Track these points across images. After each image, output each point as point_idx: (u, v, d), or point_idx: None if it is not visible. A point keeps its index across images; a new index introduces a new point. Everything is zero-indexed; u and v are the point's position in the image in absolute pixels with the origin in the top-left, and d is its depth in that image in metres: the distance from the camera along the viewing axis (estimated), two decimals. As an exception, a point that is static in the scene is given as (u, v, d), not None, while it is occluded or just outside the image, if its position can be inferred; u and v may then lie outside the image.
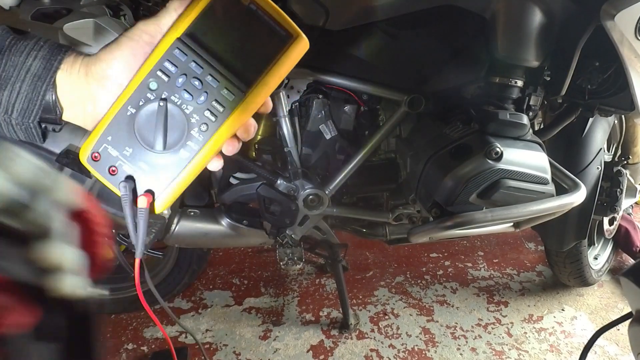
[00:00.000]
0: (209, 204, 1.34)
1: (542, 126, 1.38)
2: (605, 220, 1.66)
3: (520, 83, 1.09)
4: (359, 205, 1.36)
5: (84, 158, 0.42)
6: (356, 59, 1.08)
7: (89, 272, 0.36)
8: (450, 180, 1.03)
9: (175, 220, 1.26)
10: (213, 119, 0.41)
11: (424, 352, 1.44)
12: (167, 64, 0.40)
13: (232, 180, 1.29)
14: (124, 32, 0.41)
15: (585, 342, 0.72)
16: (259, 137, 1.27)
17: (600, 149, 1.37)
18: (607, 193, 1.49)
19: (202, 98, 0.41)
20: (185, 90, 0.41)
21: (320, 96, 1.15)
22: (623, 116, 1.54)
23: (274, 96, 1.17)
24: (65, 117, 0.42)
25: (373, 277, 1.78)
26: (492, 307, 1.64)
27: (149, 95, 0.41)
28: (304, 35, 0.42)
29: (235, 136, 0.43)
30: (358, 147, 1.20)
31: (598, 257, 1.75)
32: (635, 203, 2.02)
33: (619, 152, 1.60)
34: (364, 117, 1.22)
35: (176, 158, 0.42)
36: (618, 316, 0.69)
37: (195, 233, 1.29)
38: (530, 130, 1.10)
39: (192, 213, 1.28)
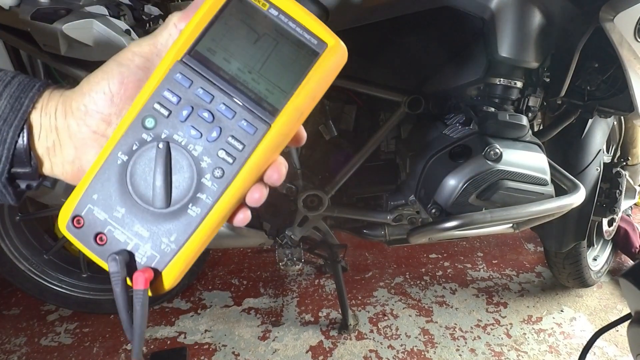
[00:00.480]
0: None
1: (541, 127, 1.39)
2: (605, 221, 1.66)
3: (519, 84, 1.10)
4: (358, 205, 1.36)
5: (63, 224, 0.32)
6: (356, 59, 1.08)
7: None
8: (450, 181, 1.03)
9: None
10: (230, 161, 0.32)
11: (423, 352, 1.44)
12: (167, 94, 0.32)
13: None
14: (113, 56, 0.33)
15: (585, 343, 0.72)
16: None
17: (600, 150, 1.37)
18: (606, 194, 1.49)
19: (214, 135, 0.32)
20: (191, 126, 0.32)
21: (320, 97, 1.15)
22: (622, 117, 1.55)
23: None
24: (45, 171, 0.33)
25: (372, 278, 1.78)
26: (491, 308, 1.64)
27: (144, 136, 0.31)
28: (341, 42, 0.33)
29: (261, 180, 0.34)
30: (357, 148, 1.20)
31: (597, 258, 1.75)
32: (635, 204, 2.02)
33: (618, 154, 1.60)
34: (363, 117, 1.22)
35: (184, 217, 0.32)
36: (617, 317, 0.69)
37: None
38: (530, 131, 1.10)
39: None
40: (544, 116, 1.39)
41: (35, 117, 0.32)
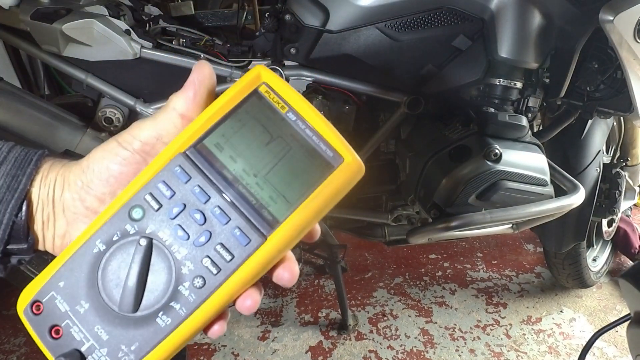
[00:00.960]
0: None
1: (541, 128, 1.38)
2: (604, 221, 1.66)
3: (519, 85, 1.10)
4: (358, 206, 1.36)
5: (21, 307, 0.30)
6: (356, 59, 1.08)
7: None
8: (450, 181, 1.03)
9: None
10: (214, 271, 0.28)
11: (422, 353, 1.44)
12: (162, 186, 0.29)
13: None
14: (115, 136, 0.32)
15: (584, 343, 0.72)
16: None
17: (599, 150, 1.38)
18: (605, 195, 1.49)
19: (203, 239, 0.29)
20: (179, 225, 0.29)
21: (320, 97, 1.15)
22: (622, 118, 1.55)
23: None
24: (38, 245, 0.32)
25: (372, 278, 1.78)
26: (490, 308, 1.64)
27: (128, 227, 0.29)
28: (358, 159, 0.30)
29: (256, 285, 0.31)
30: (357, 148, 1.20)
31: (597, 258, 1.75)
32: (634, 205, 2.02)
33: (618, 154, 1.60)
34: (363, 118, 1.22)
35: (151, 326, 0.28)
36: (616, 318, 0.69)
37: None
38: (529, 132, 1.10)
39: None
40: (544, 117, 1.39)
41: (34, 191, 0.31)
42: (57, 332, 0.29)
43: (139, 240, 0.29)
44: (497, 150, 1.01)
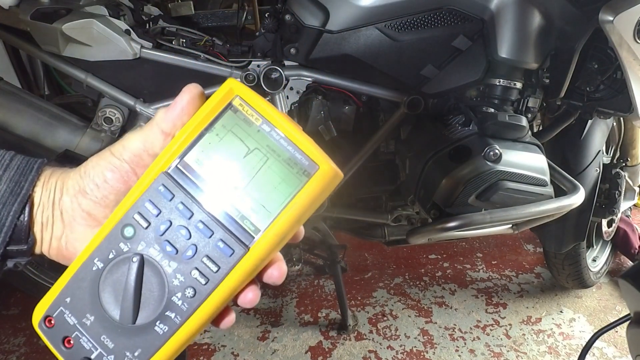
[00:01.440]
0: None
1: (541, 128, 1.39)
2: (604, 222, 1.66)
3: (519, 85, 1.10)
4: (357, 206, 1.36)
5: (36, 321, 0.33)
6: (355, 60, 1.08)
7: None
8: (449, 181, 1.03)
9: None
10: (203, 281, 0.31)
11: (422, 353, 1.44)
12: (149, 205, 0.31)
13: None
14: (110, 146, 0.34)
15: (584, 344, 0.72)
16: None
17: (599, 151, 1.38)
18: (605, 195, 1.49)
19: (189, 253, 0.31)
20: (167, 241, 0.31)
21: (320, 97, 1.15)
22: (622, 118, 1.55)
23: (274, 99, 1.17)
24: (38, 249, 0.34)
25: (372, 279, 1.78)
26: (490, 308, 1.64)
27: (121, 245, 0.31)
28: (333, 165, 0.31)
29: (253, 283, 0.33)
30: (357, 148, 1.20)
31: (596, 259, 1.75)
32: (634, 205, 2.02)
33: (618, 154, 1.60)
34: (363, 118, 1.22)
35: (150, 334, 0.31)
36: (616, 318, 0.69)
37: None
38: (529, 132, 1.10)
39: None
40: (544, 117, 1.39)
41: (36, 195, 0.33)
42: (69, 342, 0.32)
43: (132, 258, 0.31)
44: (497, 151, 1.01)
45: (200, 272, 0.31)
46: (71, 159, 0.40)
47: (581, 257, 1.54)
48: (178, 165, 0.32)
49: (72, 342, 0.32)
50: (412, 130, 1.22)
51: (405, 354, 1.44)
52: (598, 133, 1.38)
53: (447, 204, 1.06)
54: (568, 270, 1.58)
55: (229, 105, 0.32)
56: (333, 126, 1.18)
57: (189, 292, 0.31)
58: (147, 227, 0.31)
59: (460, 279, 1.79)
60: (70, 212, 0.33)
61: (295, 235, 0.34)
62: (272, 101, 1.17)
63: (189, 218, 0.31)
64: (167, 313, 0.31)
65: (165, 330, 0.31)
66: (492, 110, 1.09)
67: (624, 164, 1.55)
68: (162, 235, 0.31)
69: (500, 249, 1.99)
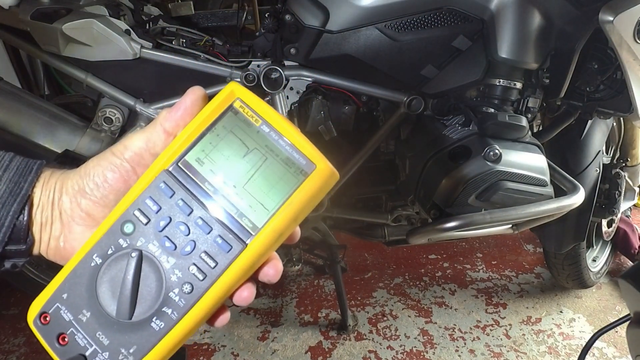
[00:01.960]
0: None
1: (540, 128, 1.39)
2: (604, 222, 1.66)
3: (519, 85, 1.10)
4: (357, 206, 1.36)
5: (31, 318, 0.32)
6: (355, 60, 1.08)
7: None
8: (449, 181, 1.03)
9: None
10: (200, 277, 0.31)
11: (422, 353, 1.44)
12: (149, 202, 0.32)
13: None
14: (111, 147, 0.34)
15: (584, 344, 0.72)
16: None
17: (599, 151, 1.38)
18: (605, 195, 1.49)
19: (188, 249, 0.31)
20: (166, 237, 0.31)
21: (320, 97, 1.15)
22: (622, 118, 1.55)
23: (274, 99, 1.17)
24: (36, 250, 0.34)
25: (372, 279, 1.78)
26: (490, 308, 1.64)
27: (121, 241, 0.32)
28: (330, 165, 0.32)
29: (251, 279, 0.34)
30: (357, 149, 1.20)
31: (596, 259, 1.75)
32: (634, 205, 2.02)
33: (618, 155, 1.60)
34: (363, 118, 1.22)
35: (147, 330, 0.31)
36: (616, 318, 0.69)
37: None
38: (529, 132, 1.10)
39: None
40: (544, 117, 1.39)
41: (35, 196, 0.33)
42: (64, 339, 0.32)
43: (131, 253, 0.31)
44: (497, 151, 1.01)
45: (198, 267, 0.31)
46: (71, 159, 0.40)
47: (581, 257, 1.54)
48: (179, 164, 0.32)
49: (66, 339, 0.31)
50: (412, 130, 1.22)
51: (405, 354, 1.44)
52: (598, 133, 1.38)
53: (447, 204, 1.06)
54: (568, 270, 1.58)
55: (230, 107, 0.33)
56: (333, 126, 1.18)
57: (186, 288, 0.31)
58: (146, 224, 0.32)
59: (460, 279, 1.79)
60: (69, 212, 0.33)
61: (292, 236, 0.34)
62: (272, 101, 1.17)
63: (189, 214, 0.32)
64: (164, 309, 0.31)
65: (161, 327, 0.31)
66: (492, 110, 1.09)
67: (624, 164, 1.55)
68: (161, 231, 0.32)
69: (500, 249, 1.99)
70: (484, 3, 1.01)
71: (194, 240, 0.31)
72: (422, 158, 1.10)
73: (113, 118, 1.15)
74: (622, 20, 0.94)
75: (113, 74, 1.13)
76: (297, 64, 1.14)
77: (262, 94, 1.16)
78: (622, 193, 1.49)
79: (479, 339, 1.51)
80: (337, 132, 1.20)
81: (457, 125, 1.11)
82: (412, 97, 1.14)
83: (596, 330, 0.71)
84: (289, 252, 1.45)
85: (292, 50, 1.10)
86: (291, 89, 1.17)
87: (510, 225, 1.22)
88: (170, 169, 0.32)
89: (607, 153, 1.59)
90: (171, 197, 0.32)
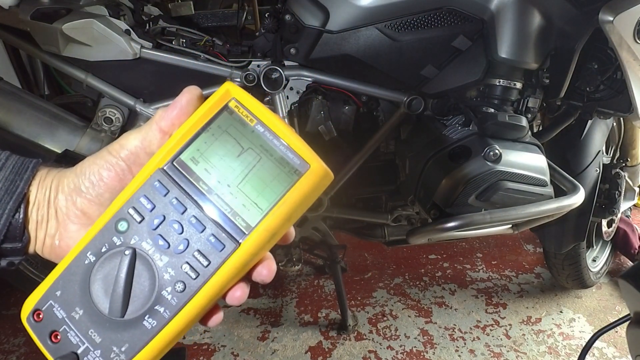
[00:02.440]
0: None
1: (540, 128, 1.39)
2: (604, 222, 1.66)
3: (519, 85, 1.10)
4: (357, 206, 1.36)
5: (25, 316, 0.32)
6: (356, 60, 1.08)
7: None
8: (449, 181, 1.03)
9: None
10: (193, 276, 0.31)
11: (422, 353, 1.44)
12: (143, 200, 0.32)
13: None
14: (107, 146, 0.34)
15: (584, 344, 0.72)
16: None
17: (599, 151, 1.38)
18: (605, 195, 1.49)
19: (181, 247, 0.31)
20: (160, 235, 0.31)
21: (320, 97, 1.15)
22: (622, 118, 1.55)
23: (274, 99, 1.17)
24: (32, 249, 0.34)
25: (372, 279, 1.78)
26: (490, 308, 1.64)
27: (114, 239, 0.32)
28: (324, 165, 0.32)
29: (245, 279, 0.33)
30: (357, 149, 1.20)
31: (596, 259, 1.75)
32: (634, 205, 2.02)
33: (618, 155, 1.60)
34: (363, 118, 1.22)
35: (139, 328, 0.31)
36: (616, 318, 0.69)
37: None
38: (529, 132, 1.10)
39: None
40: (544, 117, 1.39)
41: (31, 194, 0.33)
42: (56, 337, 0.31)
43: (124, 251, 0.31)
44: (496, 151, 1.01)
45: (191, 266, 0.31)
46: (71, 159, 0.40)
47: (581, 257, 1.54)
48: (174, 163, 0.32)
49: (59, 336, 0.31)
50: (412, 130, 1.22)
51: (405, 354, 1.44)
52: (598, 133, 1.38)
53: (447, 204, 1.06)
54: (568, 270, 1.58)
55: (225, 107, 0.33)
56: (333, 126, 1.18)
57: (179, 287, 0.31)
58: (140, 222, 0.32)
59: (460, 279, 1.79)
60: (65, 211, 0.34)
61: (286, 236, 0.34)
62: (272, 101, 1.17)
63: (182, 213, 0.32)
64: (156, 307, 0.31)
65: (153, 325, 0.31)
66: (492, 110, 1.09)
67: (624, 164, 1.55)
68: (155, 229, 0.32)
69: (500, 249, 1.99)
70: (484, 3, 1.01)
71: (187, 239, 0.31)
72: (422, 158, 1.10)
73: (113, 118, 1.14)
74: (622, 20, 0.94)
75: (113, 74, 1.13)
76: (297, 64, 1.14)
77: (262, 94, 1.16)
78: (622, 193, 1.49)
79: (479, 339, 1.51)
80: (337, 132, 1.20)
81: (457, 125, 1.11)
82: (412, 97, 1.14)
83: (596, 330, 0.71)
84: (289, 252, 1.45)
85: (292, 50, 1.10)
86: (291, 89, 1.17)
87: (510, 225, 1.22)
88: (165, 168, 0.32)
89: (607, 153, 1.59)
90: (165, 195, 0.32)
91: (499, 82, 1.09)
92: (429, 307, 1.64)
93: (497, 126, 1.04)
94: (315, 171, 0.31)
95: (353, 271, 1.82)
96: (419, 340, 1.49)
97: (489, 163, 1.01)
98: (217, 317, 0.34)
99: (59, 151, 1.09)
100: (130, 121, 1.18)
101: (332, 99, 1.17)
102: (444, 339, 1.50)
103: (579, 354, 0.73)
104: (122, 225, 0.32)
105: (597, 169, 1.38)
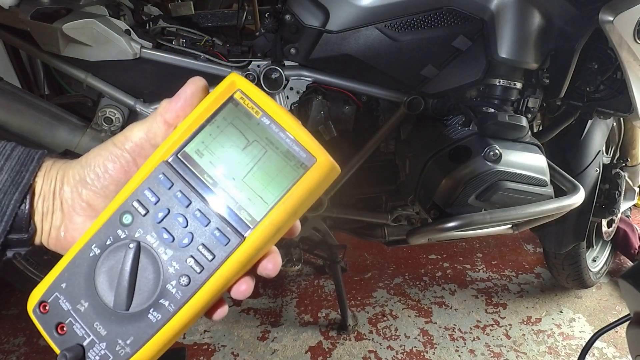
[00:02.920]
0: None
1: (540, 128, 1.39)
2: (604, 222, 1.66)
3: (519, 85, 1.10)
4: (357, 206, 1.36)
5: (31, 307, 0.32)
6: (356, 60, 1.08)
7: None
8: (449, 181, 1.03)
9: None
10: (198, 270, 0.31)
11: (422, 353, 1.44)
12: (148, 193, 0.31)
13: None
14: (112, 137, 0.34)
15: (584, 344, 0.72)
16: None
17: (599, 151, 1.38)
18: (605, 195, 1.49)
19: (186, 241, 0.31)
20: (164, 229, 0.31)
21: (320, 97, 1.15)
22: (622, 118, 1.55)
23: (274, 99, 1.17)
24: (37, 240, 0.34)
25: (372, 279, 1.78)
26: (490, 308, 1.64)
27: (119, 232, 0.31)
28: (330, 159, 0.31)
29: (250, 273, 0.33)
30: (357, 149, 1.20)
31: (596, 259, 1.75)
32: (634, 205, 2.02)
33: (618, 155, 1.60)
34: (363, 118, 1.22)
35: (144, 321, 0.31)
36: (616, 318, 0.69)
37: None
38: (529, 132, 1.10)
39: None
40: (544, 117, 1.39)
41: (37, 185, 0.33)
42: (62, 328, 0.31)
43: (129, 244, 0.31)
44: (496, 151, 1.01)
45: (195, 260, 0.31)
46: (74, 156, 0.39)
47: (581, 257, 1.54)
48: (178, 155, 0.32)
49: (65, 328, 0.31)
50: (412, 130, 1.22)
51: (405, 354, 1.44)
52: (598, 133, 1.38)
53: (447, 204, 1.06)
54: (568, 270, 1.58)
55: (231, 99, 0.32)
56: (333, 126, 1.18)
57: (183, 280, 0.31)
58: (145, 215, 0.31)
59: (460, 279, 1.79)
60: (70, 202, 0.33)
61: (291, 230, 0.34)
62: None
63: (187, 206, 0.31)
64: (161, 301, 0.31)
65: (158, 318, 0.31)
66: (492, 110, 1.09)
67: (624, 164, 1.55)
68: (159, 222, 0.31)
69: (500, 249, 1.99)
70: (484, 3, 1.02)
71: (191, 233, 0.31)
72: (422, 158, 1.10)
73: (113, 118, 1.15)
74: (622, 20, 0.94)
75: (113, 74, 1.13)
76: (297, 64, 1.14)
77: (262, 94, 1.16)
78: (622, 193, 1.49)
79: (479, 339, 1.51)
80: (337, 132, 1.20)
81: (457, 125, 1.11)
82: (412, 97, 1.14)
83: (596, 330, 0.71)
84: (289, 252, 1.45)
85: (292, 50, 1.10)
86: (291, 89, 1.17)
87: (510, 225, 1.22)
88: (169, 160, 0.32)
89: (607, 153, 1.59)
90: (170, 188, 0.31)
91: (499, 82, 1.09)
92: (429, 307, 1.64)
93: (497, 126, 1.04)
94: (322, 165, 0.31)
95: (353, 271, 1.82)
96: (419, 340, 1.49)
97: (489, 163, 1.01)
98: (222, 311, 0.34)
99: (59, 151, 1.09)
100: (131, 121, 1.18)
101: (332, 99, 1.17)
102: (444, 339, 1.50)
103: (579, 354, 0.73)
104: (127, 218, 0.31)
105: (597, 169, 1.38)
